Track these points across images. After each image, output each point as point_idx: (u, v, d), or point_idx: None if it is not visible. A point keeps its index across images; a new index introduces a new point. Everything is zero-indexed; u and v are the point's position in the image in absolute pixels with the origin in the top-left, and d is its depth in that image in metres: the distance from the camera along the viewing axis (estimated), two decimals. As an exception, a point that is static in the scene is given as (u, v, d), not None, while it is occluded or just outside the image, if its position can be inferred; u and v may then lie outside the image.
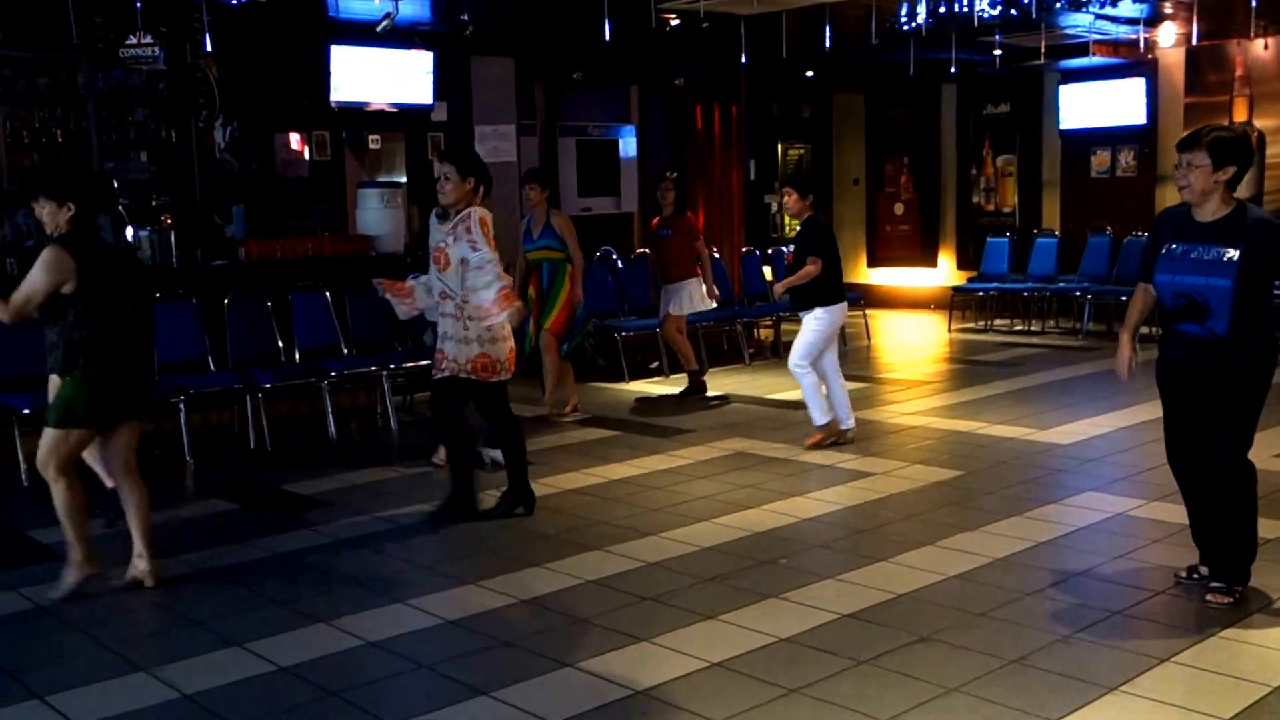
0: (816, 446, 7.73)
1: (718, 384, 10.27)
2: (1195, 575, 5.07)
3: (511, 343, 6.25)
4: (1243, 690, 4.04)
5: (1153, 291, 5.02)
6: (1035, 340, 12.76)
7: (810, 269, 7.67)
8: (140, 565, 5.36)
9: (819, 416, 7.80)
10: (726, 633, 4.66)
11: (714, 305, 10.51)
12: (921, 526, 6.10)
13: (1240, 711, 3.88)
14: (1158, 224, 5.08)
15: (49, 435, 5.16)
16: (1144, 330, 12.16)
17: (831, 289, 7.77)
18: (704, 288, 10.15)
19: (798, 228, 7.92)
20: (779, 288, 8.01)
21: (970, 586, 5.15)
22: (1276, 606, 4.80)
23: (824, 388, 7.84)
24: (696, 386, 9.97)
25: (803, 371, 7.77)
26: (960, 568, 5.37)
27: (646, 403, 9.70)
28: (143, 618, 5.06)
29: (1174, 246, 4.84)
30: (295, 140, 10.51)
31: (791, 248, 7.86)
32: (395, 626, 4.81)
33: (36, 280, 5.05)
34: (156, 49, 8.71)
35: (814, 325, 7.75)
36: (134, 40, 8.70)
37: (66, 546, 5.23)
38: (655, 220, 10.22)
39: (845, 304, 7.93)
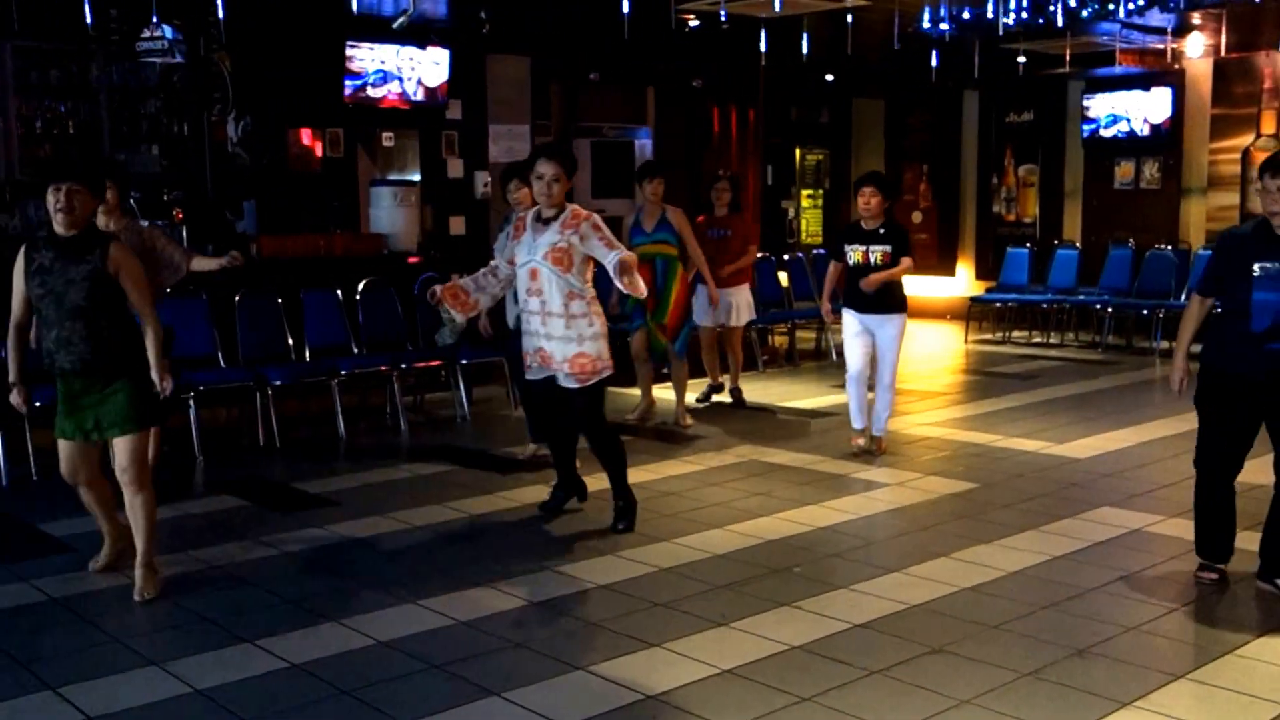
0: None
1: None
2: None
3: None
4: (1256, 708, 4.00)
5: (1208, 305, 5.36)
6: (1054, 353, 12.69)
7: (909, 263, 7.55)
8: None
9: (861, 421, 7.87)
10: (738, 640, 4.64)
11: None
12: (936, 538, 6.06)
13: (1255, 730, 3.85)
14: (1231, 242, 5.27)
15: (133, 441, 5.06)
16: (1166, 345, 12.09)
17: (904, 296, 7.80)
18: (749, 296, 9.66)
19: (880, 229, 7.55)
20: (874, 280, 7.49)
21: (984, 599, 5.12)
22: (1294, 625, 4.76)
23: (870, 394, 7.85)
24: (715, 393, 9.82)
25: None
26: (974, 580, 5.34)
27: (658, 408, 9.65)
28: (154, 612, 5.04)
29: (1268, 265, 4.97)
30: (307, 136, 10.48)
31: (861, 248, 7.54)
32: (407, 626, 4.79)
33: (138, 274, 5.06)
34: (168, 42, 8.69)
35: (896, 333, 7.62)
36: (148, 33, 8.70)
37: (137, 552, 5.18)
38: (701, 219, 9.48)
39: None
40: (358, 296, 9.21)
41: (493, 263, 6.39)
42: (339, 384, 8.62)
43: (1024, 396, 10.02)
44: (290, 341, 8.80)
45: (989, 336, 13.81)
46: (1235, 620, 4.83)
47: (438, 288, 6.11)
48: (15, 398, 5.21)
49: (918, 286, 16.10)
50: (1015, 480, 7.11)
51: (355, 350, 9.06)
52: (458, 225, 11.19)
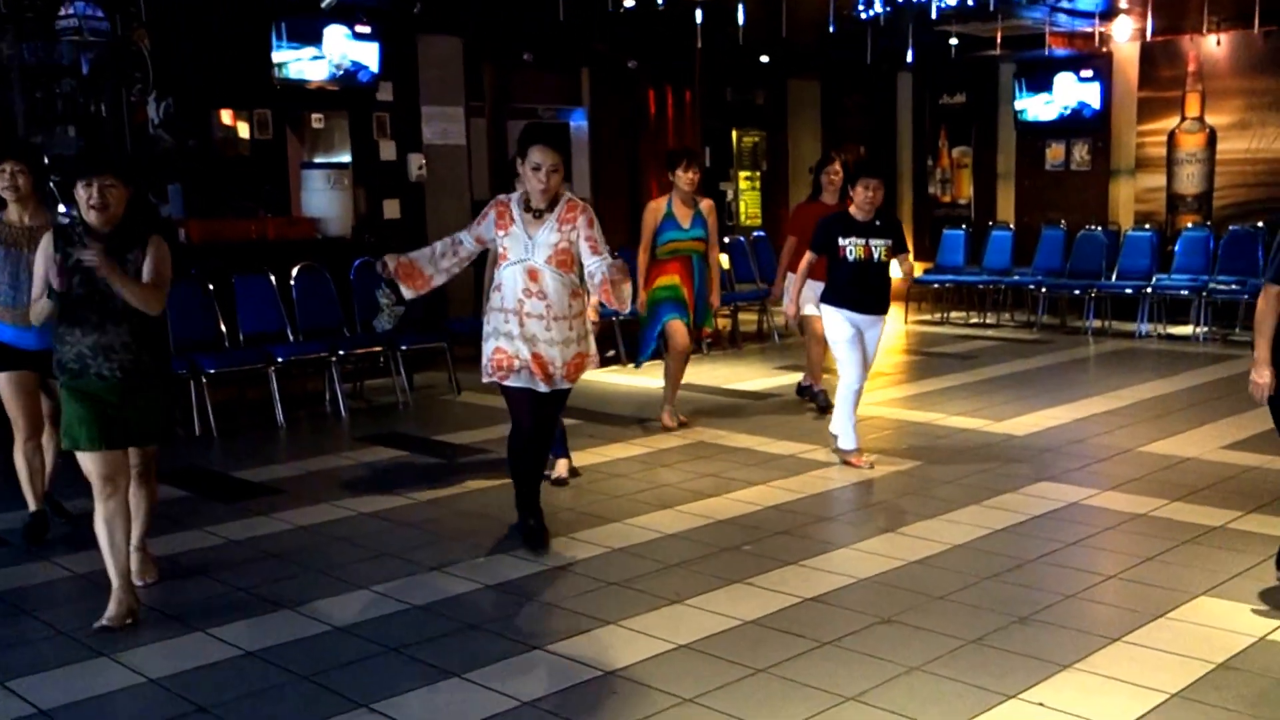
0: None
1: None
2: None
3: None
4: (1190, 666, 4.15)
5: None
6: (990, 333, 12.89)
7: (910, 261, 7.29)
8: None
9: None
10: (693, 616, 4.71)
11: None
12: (881, 514, 6.18)
13: (1187, 686, 4.00)
14: None
15: (150, 452, 4.99)
16: (1099, 324, 12.34)
17: None
18: None
19: (877, 221, 7.00)
20: (908, 273, 7.32)
21: (929, 571, 5.23)
22: (1220, 590, 4.91)
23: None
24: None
25: None
26: (919, 554, 5.45)
27: (606, 392, 9.69)
28: (100, 604, 5.00)
29: None
30: (231, 118, 10.24)
31: (861, 242, 6.92)
32: (363, 612, 4.82)
33: (168, 271, 4.71)
34: (85, 19, 8.49)
35: (881, 334, 7.22)
36: (65, 10, 8.50)
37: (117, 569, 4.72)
38: (807, 207, 8.57)
39: None
40: (292, 282, 9.14)
41: (455, 235, 5.63)
42: (275, 371, 8.55)
43: (963, 376, 10.18)
44: (224, 329, 8.69)
45: (928, 317, 14.00)
46: (1169, 585, 4.97)
47: (389, 258, 5.49)
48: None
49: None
50: (956, 457, 7.24)
51: (291, 337, 8.97)
52: (392, 209, 11.09)
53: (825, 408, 8.13)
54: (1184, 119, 13.29)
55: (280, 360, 8.58)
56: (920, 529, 5.84)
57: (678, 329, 7.90)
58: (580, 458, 7.08)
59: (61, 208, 5.61)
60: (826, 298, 7.09)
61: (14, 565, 5.47)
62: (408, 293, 5.56)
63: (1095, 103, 13.79)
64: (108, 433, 4.63)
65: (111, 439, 4.64)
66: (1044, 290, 13.08)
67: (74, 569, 5.35)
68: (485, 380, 5.57)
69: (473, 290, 11.48)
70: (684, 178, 7.78)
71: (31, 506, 5.88)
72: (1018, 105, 14.35)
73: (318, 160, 10.83)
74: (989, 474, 6.86)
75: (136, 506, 4.95)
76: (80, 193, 4.57)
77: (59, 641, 4.59)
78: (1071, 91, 13.94)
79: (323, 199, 10.41)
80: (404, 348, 9.21)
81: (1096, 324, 12.52)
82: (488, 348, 5.51)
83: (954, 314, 14.07)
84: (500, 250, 5.48)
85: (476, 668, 4.21)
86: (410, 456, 7.56)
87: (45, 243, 4.68)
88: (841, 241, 6.95)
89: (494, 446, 7.58)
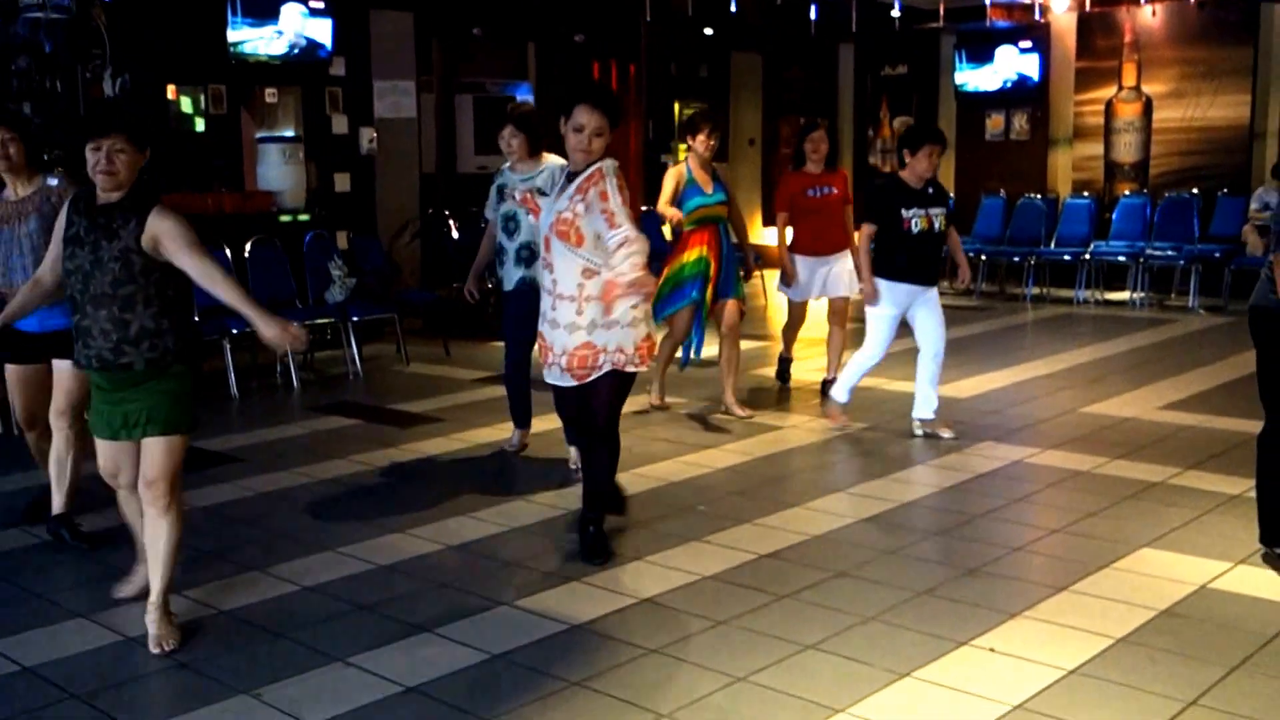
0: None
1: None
2: None
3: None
4: (1134, 613, 4.34)
5: None
6: (931, 299, 13.06)
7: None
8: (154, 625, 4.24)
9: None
10: (654, 572, 4.84)
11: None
12: (832, 475, 6.35)
13: (1132, 631, 4.20)
14: None
15: (167, 445, 4.18)
16: (1038, 291, 12.57)
17: None
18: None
19: (929, 188, 6.84)
20: (957, 243, 7.25)
21: (881, 528, 5.40)
22: (1161, 541, 5.12)
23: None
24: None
25: None
26: (870, 512, 5.62)
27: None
28: (74, 569, 5.04)
29: None
30: (179, 95, 10.26)
31: (922, 213, 6.75)
32: (330, 572, 4.90)
33: (193, 240, 4.11)
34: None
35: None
36: None
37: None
38: (794, 177, 8.17)
39: None
40: (245, 255, 9.16)
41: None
42: (229, 343, 8.57)
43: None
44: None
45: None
46: (1112, 538, 5.16)
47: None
48: None
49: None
50: (903, 420, 7.39)
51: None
52: (343, 182, 11.10)
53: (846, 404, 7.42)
54: (1121, 89, 13.56)
55: (235, 332, 8.59)
56: (869, 488, 6.01)
57: (683, 315, 7.47)
58: (536, 423, 7.16)
59: (53, 180, 5.40)
60: (885, 271, 6.82)
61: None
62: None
63: (1034, 73, 14.02)
64: (94, 420, 4.27)
65: (108, 428, 4.20)
66: (984, 258, 13.31)
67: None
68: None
69: (420, 263, 11.60)
70: (702, 143, 7.40)
71: (56, 507, 5.35)
72: (958, 77, 14.55)
73: (270, 135, 10.81)
74: (935, 436, 7.03)
75: (153, 544, 4.23)
76: (89, 156, 4.10)
77: (36, 604, 4.64)
78: (1011, 63, 14.16)
79: (278, 173, 10.40)
80: (355, 319, 9.25)
81: (1036, 290, 12.79)
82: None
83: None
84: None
85: (446, 623, 4.32)
86: (364, 425, 7.62)
87: (64, 208, 4.28)
88: (905, 213, 6.72)
89: (445, 415, 7.69)
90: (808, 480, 6.26)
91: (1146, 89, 13.40)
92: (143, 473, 4.20)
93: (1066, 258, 12.77)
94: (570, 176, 4.91)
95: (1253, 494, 5.02)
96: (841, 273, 8.02)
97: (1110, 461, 6.36)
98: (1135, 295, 12.17)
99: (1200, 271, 11.91)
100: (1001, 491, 5.93)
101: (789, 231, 8.19)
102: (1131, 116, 13.56)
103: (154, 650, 4.14)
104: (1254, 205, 11.57)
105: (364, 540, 5.29)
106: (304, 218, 10.35)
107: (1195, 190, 12.82)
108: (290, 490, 6.17)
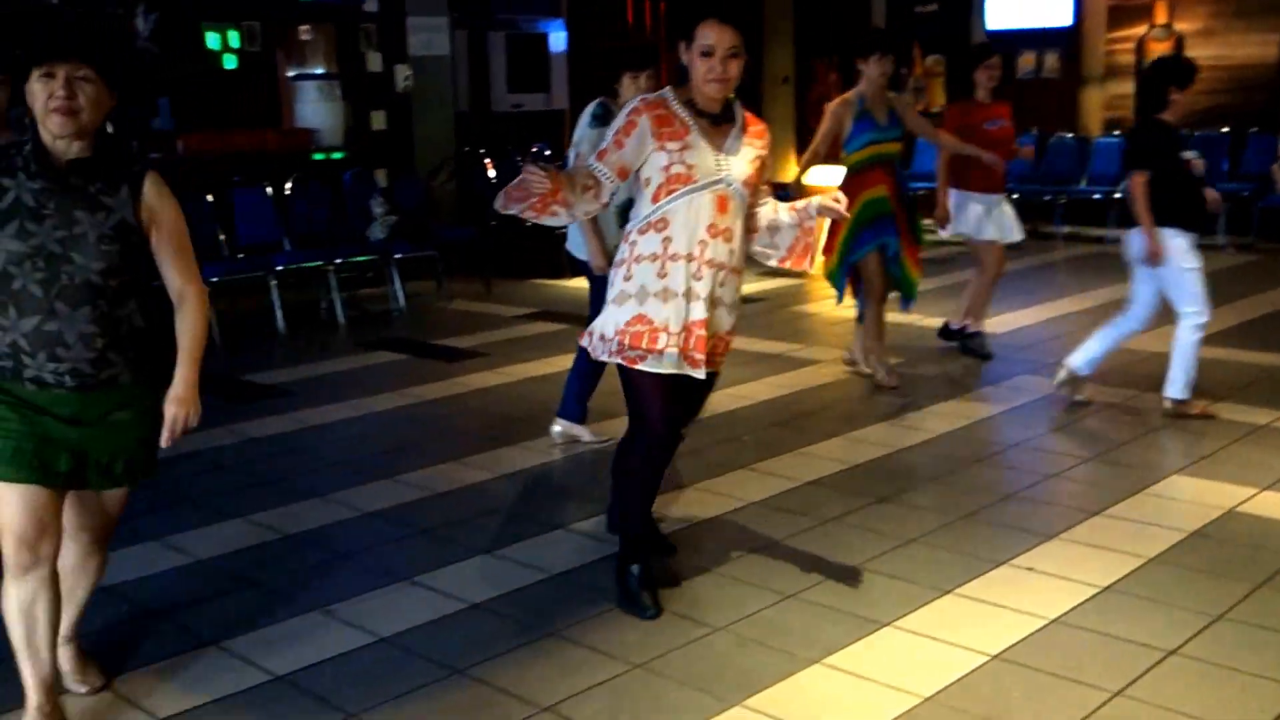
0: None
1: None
2: None
3: None
4: (1166, 535, 4.52)
5: None
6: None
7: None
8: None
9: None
10: (701, 498, 5.03)
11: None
12: (871, 406, 6.50)
13: (1164, 551, 4.38)
14: None
15: (114, 507, 3.31)
16: (1069, 230, 12.59)
17: None
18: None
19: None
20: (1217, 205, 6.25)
21: (920, 457, 5.57)
22: (1192, 469, 5.28)
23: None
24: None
25: None
26: (909, 441, 5.78)
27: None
28: (147, 493, 5.22)
29: None
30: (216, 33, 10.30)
31: (1193, 154, 6.09)
32: (389, 499, 5.10)
33: (183, 226, 3.24)
34: None
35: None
36: None
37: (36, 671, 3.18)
38: (964, 108, 7.62)
39: None
40: (287, 193, 9.32)
41: (585, 167, 3.83)
42: (275, 280, 8.75)
43: (940, 280, 10.45)
44: (222, 238, 8.87)
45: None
46: (1145, 465, 5.33)
47: (536, 173, 3.62)
48: None
49: (831, 177, 16.48)
50: (939, 355, 7.55)
51: (288, 247, 9.18)
52: (379, 120, 11.22)
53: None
54: (1152, 27, 13.50)
55: (279, 269, 8.77)
56: (908, 420, 6.16)
57: (872, 263, 6.75)
58: (562, 361, 7.25)
59: None
60: (1171, 220, 5.88)
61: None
62: (521, 210, 3.75)
63: (1067, 12, 13.96)
64: (40, 460, 3.02)
65: (45, 471, 3.03)
66: (1015, 196, 13.30)
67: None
68: (599, 358, 4.07)
69: (456, 202, 11.72)
70: (873, 69, 6.55)
71: None
72: (988, 14, 14.49)
73: (305, 72, 10.91)
74: (970, 370, 7.18)
75: (74, 586, 3.33)
76: (37, 88, 2.95)
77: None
78: (1042, 1, 14.10)
79: (316, 110, 10.51)
80: (398, 256, 9.42)
81: (1065, 229, 12.84)
82: (619, 314, 3.86)
83: (926, 220, 14.27)
84: (671, 173, 3.73)
85: (428, 570, 4.34)
86: (412, 359, 7.80)
87: None
88: (1186, 154, 6.03)
89: (490, 349, 7.86)
90: (848, 411, 6.37)
91: (1178, 27, 13.33)
92: (89, 520, 3.29)
93: (1097, 196, 12.80)
94: (710, 117, 3.80)
95: (1281, 424, 5.16)
96: (1013, 215, 7.62)
97: (1141, 394, 6.50)
98: (1166, 233, 12.19)
99: (1230, 209, 11.93)
100: (1036, 422, 6.09)
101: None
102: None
103: (81, 690, 3.45)
104: (1285, 143, 11.56)
105: (419, 469, 5.48)
106: (338, 156, 10.48)
107: (1225, 129, 12.81)
108: (342, 422, 6.37)
